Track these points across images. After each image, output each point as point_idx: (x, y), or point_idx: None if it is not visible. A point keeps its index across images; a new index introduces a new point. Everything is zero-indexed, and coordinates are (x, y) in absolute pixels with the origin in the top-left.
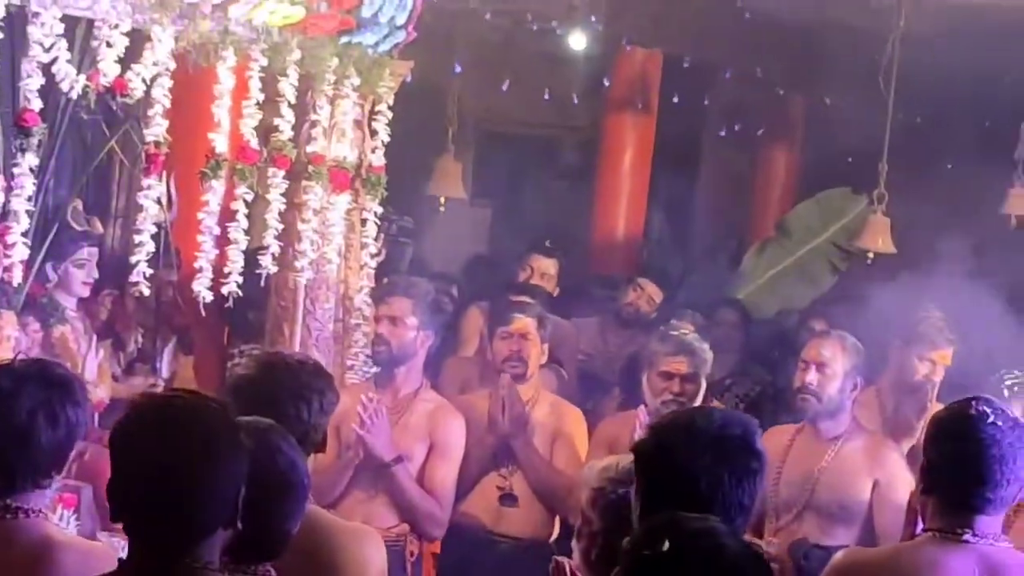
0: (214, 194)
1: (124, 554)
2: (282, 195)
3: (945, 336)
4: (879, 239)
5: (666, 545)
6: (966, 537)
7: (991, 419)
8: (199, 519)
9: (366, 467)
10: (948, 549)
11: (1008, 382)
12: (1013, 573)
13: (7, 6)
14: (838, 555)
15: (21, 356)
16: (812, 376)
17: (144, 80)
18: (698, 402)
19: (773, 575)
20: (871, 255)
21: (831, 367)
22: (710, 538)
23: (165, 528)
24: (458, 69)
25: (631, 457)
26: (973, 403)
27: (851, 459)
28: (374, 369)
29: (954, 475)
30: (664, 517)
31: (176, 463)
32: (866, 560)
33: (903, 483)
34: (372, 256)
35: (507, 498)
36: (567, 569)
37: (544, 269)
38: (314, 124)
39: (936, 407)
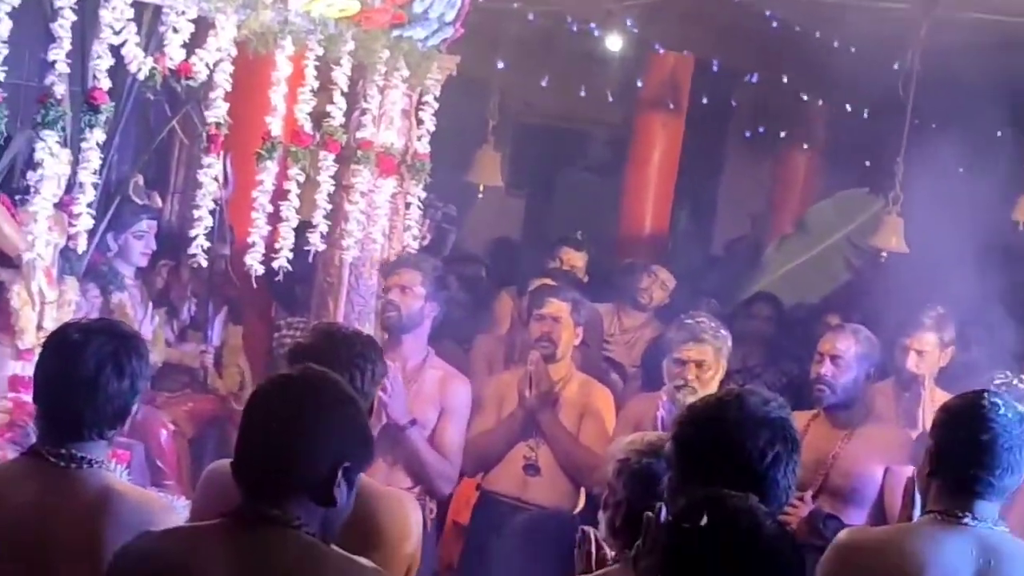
0: (268, 174)
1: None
2: (332, 177)
3: (919, 322)
4: (893, 238)
5: (704, 520)
6: (966, 520)
7: (1002, 410)
8: (301, 477)
9: (385, 433)
10: (948, 530)
11: (997, 381)
12: (1008, 557)
13: None
14: (841, 534)
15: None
16: (827, 368)
17: (207, 65)
18: (714, 386)
19: (804, 559)
20: (884, 254)
21: (845, 359)
22: (750, 517)
23: (268, 481)
24: (500, 65)
25: (656, 433)
26: (986, 394)
27: (864, 446)
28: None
29: (961, 459)
30: (706, 493)
31: (285, 413)
32: (868, 539)
33: (906, 468)
34: (415, 238)
35: (531, 468)
36: (593, 538)
37: (573, 261)
38: (364, 112)
39: (937, 395)
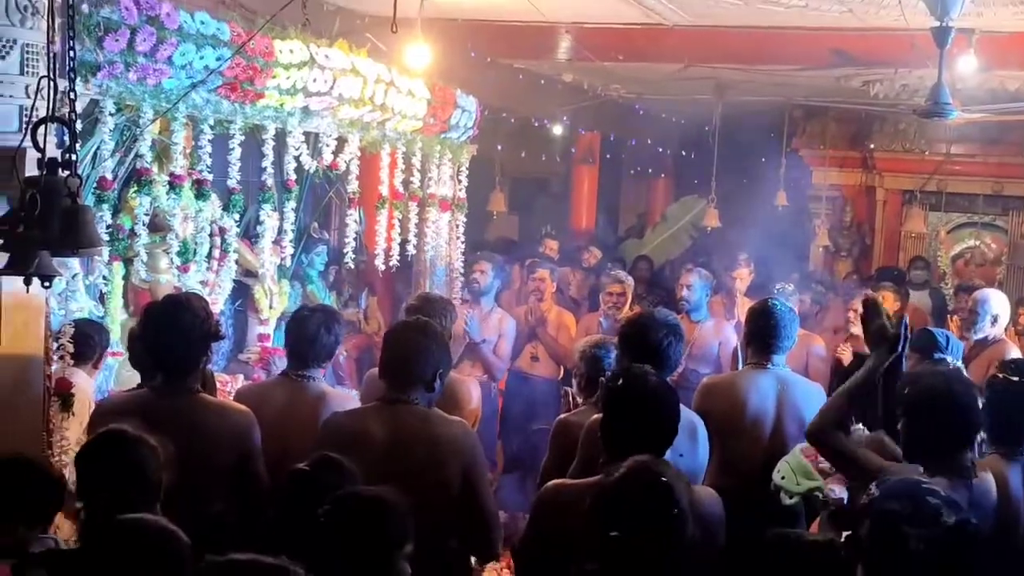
0: (383, 216)
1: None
2: (416, 215)
3: (736, 262)
4: (713, 220)
5: (620, 381)
6: (768, 366)
7: (779, 307)
8: (417, 376)
9: (469, 347)
10: (760, 372)
11: (777, 287)
12: (793, 384)
13: (276, 129)
14: (703, 380)
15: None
16: (684, 292)
17: (345, 162)
18: (626, 308)
19: (678, 397)
20: (709, 229)
21: (694, 287)
22: (644, 376)
23: (399, 378)
24: (500, 147)
25: (600, 335)
26: (769, 299)
27: (707, 332)
28: (468, 298)
29: (762, 335)
30: (623, 366)
31: (408, 342)
32: (718, 380)
33: (732, 341)
34: (463, 244)
35: (534, 358)
36: (571, 393)
37: (551, 247)
38: (430, 178)
39: (746, 301)
